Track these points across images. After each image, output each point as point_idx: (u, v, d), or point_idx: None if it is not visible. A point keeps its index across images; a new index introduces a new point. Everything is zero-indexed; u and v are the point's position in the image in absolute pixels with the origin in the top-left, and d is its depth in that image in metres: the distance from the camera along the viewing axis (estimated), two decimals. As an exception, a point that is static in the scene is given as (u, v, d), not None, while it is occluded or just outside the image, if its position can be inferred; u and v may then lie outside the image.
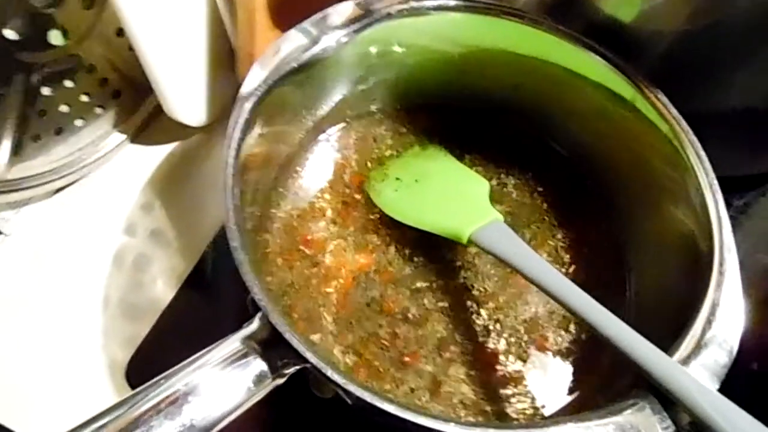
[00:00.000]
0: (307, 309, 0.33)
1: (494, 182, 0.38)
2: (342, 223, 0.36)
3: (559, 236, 0.37)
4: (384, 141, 0.40)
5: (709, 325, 0.27)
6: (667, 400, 0.25)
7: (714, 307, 0.27)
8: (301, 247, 0.35)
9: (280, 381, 0.26)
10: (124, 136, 0.42)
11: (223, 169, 0.28)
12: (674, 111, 0.32)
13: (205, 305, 0.37)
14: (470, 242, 0.32)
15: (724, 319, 0.27)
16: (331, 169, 0.38)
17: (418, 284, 0.34)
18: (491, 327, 0.33)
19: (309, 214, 0.36)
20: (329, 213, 0.37)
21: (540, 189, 0.39)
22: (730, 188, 0.43)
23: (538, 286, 0.29)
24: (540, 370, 0.33)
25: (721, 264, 0.28)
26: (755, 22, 0.32)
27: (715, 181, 0.30)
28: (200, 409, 0.24)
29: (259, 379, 0.25)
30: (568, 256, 0.37)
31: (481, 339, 0.33)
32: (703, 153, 0.31)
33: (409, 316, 0.33)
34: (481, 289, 0.35)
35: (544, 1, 0.37)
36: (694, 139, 0.31)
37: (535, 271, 0.29)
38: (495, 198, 0.37)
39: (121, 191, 0.41)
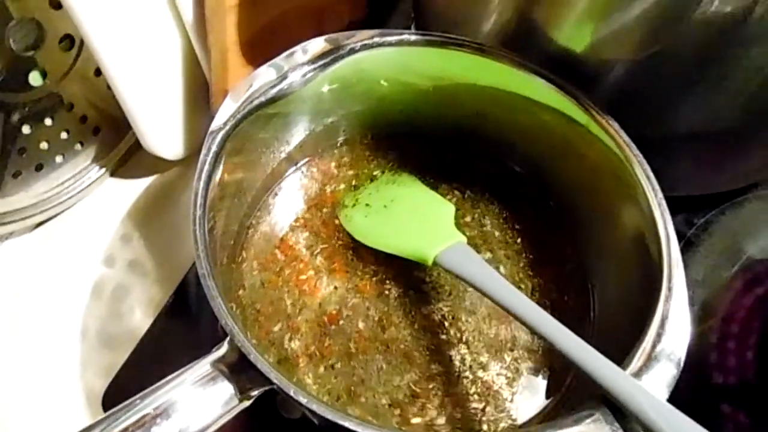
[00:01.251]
0: (272, 300, 0.35)
1: (462, 207, 0.40)
2: (318, 247, 0.38)
3: (526, 260, 0.38)
4: (354, 171, 0.41)
5: (659, 339, 0.28)
6: (620, 411, 0.26)
7: (664, 320, 0.28)
8: (277, 251, 0.37)
9: (248, 403, 0.26)
10: (103, 171, 0.43)
11: (192, 201, 0.29)
12: (624, 136, 0.34)
13: (182, 334, 0.38)
14: (435, 264, 0.34)
15: (672, 332, 0.28)
16: (305, 199, 0.40)
17: (389, 295, 0.36)
18: (457, 343, 0.35)
19: (284, 239, 0.38)
20: (303, 239, 0.38)
21: (506, 213, 0.40)
22: (690, 208, 0.46)
23: (498, 304, 0.30)
24: (506, 386, 0.34)
25: (669, 279, 0.29)
26: (696, 51, 0.33)
27: (663, 201, 0.32)
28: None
29: (227, 401, 0.26)
30: (535, 280, 0.38)
31: (444, 352, 0.34)
32: (651, 174, 0.33)
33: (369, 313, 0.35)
34: (451, 307, 0.36)
35: (502, 34, 0.39)
36: (643, 160, 0.33)
37: (494, 290, 0.30)
38: (462, 223, 0.39)
39: (101, 224, 0.42)
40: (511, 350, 0.35)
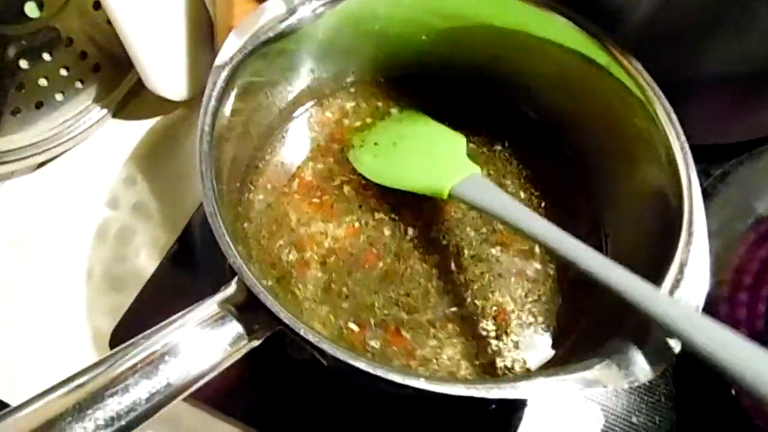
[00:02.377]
0: (277, 218, 0.35)
1: (476, 154, 0.39)
2: (337, 179, 0.37)
3: (539, 205, 0.38)
4: (364, 111, 0.40)
5: (677, 284, 0.27)
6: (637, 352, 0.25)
7: (682, 266, 0.27)
8: (290, 182, 0.37)
9: (256, 343, 0.26)
10: (105, 111, 0.42)
11: (198, 137, 0.28)
12: (647, 77, 0.33)
13: (188, 275, 0.38)
14: (451, 197, 0.33)
15: (691, 278, 0.27)
16: (316, 136, 0.39)
17: (405, 226, 0.36)
18: (470, 285, 0.34)
19: (295, 175, 0.37)
20: (318, 172, 0.37)
21: (519, 160, 0.39)
22: (709, 158, 0.44)
23: (517, 229, 0.30)
24: (519, 332, 0.33)
25: (690, 224, 0.28)
26: (728, -13, 0.32)
27: (686, 145, 0.31)
28: (177, 369, 0.24)
29: (235, 341, 0.26)
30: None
31: (458, 293, 0.34)
32: (675, 117, 0.31)
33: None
34: (465, 245, 0.35)
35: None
36: (667, 103, 0.32)
37: (513, 216, 0.30)
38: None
39: (104, 165, 0.42)
40: (519, 304, 0.34)
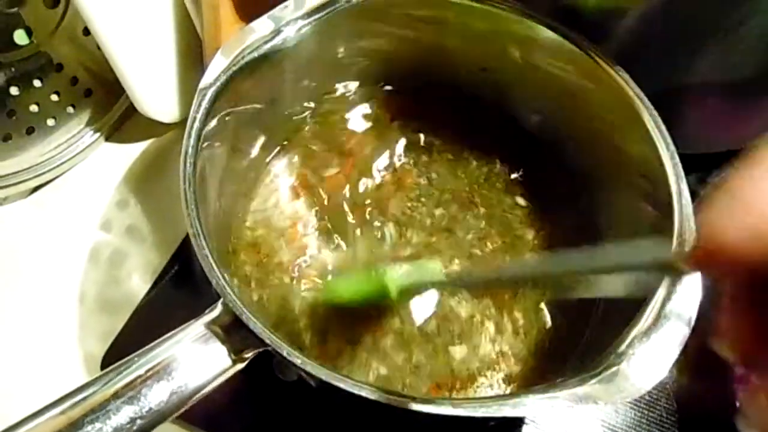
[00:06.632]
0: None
1: (471, 167, 0.39)
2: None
3: (535, 222, 0.37)
4: (355, 132, 0.40)
5: (669, 297, 0.26)
6: None
7: (674, 278, 0.27)
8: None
9: (242, 365, 0.26)
10: (98, 135, 0.42)
11: (182, 159, 0.28)
12: (635, 87, 0.32)
13: (180, 298, 0.38)
14: None
15: (683, 290, 0.27)
16: (308, 157, 0.38)
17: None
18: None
19: (283, 211, 0.37)
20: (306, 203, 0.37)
21: (514, 175, 0.39)
22: (704, 167, 0.44)
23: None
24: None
25: (680, 234, 0.28)
26: (715, -5, 0.32)
27: (676, 155, 0.30)
28: (161, 394, 0.24)
29: (222, 363, 0.25)
30: (545, 241, 0.37)
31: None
32: (663, 127, 0.31)
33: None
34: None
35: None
36: (655, 113, 0.31)
37: None
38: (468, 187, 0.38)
39: (97, 189, 0.42)
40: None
